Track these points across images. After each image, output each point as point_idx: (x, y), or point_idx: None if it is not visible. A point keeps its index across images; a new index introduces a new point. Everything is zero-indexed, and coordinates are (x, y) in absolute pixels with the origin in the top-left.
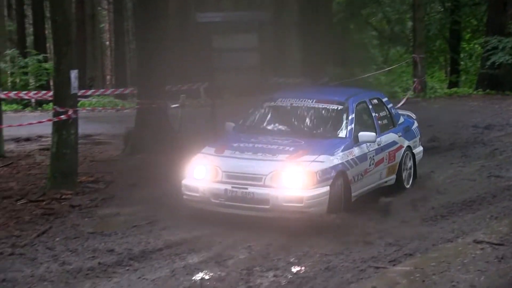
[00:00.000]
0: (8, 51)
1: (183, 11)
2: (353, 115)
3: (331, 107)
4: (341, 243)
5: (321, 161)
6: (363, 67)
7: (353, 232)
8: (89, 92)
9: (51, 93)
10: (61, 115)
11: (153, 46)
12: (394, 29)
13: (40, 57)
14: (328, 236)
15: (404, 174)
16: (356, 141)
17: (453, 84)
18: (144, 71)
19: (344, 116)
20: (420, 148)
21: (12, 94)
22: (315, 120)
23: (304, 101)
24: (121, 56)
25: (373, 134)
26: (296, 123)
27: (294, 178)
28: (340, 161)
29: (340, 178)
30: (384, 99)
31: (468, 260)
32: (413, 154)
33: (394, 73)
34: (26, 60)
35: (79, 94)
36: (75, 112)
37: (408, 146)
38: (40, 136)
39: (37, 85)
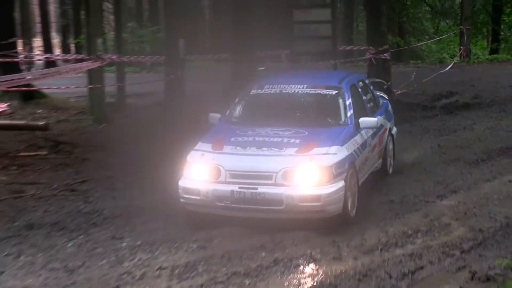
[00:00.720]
0: (129, 24)
1: None
2: (350, 100)
3: (325, 92)
4: (395, 182)
5: (333, 153)
6: (417, 37)
7: (404, 173)
8: (193, 57)
9: (163, 58)
10: (171, 75)
11: (246, 18)
12: (444, 5)
13: (154, 28)
14: (382, 176)
15: (389, 158)
16: (357, 128)
17: (493, 51)
18: (238, 39)
19: (341, 101)
20: (395, 129)
21: (132, 58)
22: (311, 107)
23: (295, 87)
24: (219, 26)
25: (375, 119)
26: (290, 111)
27: (309, 174)
28: (349, 152)
29: (351, 170)
30: (367, 81)
31: (504, 196)
32: (393, 136)
33: (443, 42)
34: (143, 31)
35: (185, 58)
36: (182, 73)
37: (390, 128)
38: (154, 92)
39: (152, 51)
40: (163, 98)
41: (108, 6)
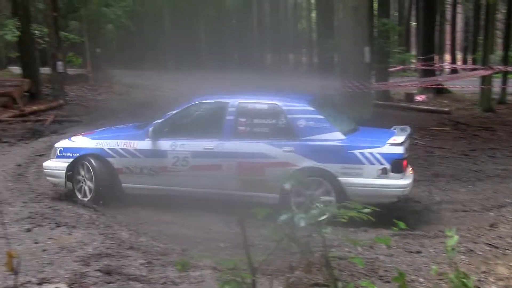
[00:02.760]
0: None
1: None
2: (174, 112)
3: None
4: None
5: (73, 141)
6: None
7: None
8: None
9: None
10: None
11: None
12: None
13: None
14: None
15: (293, 198)
16: (146, 134)
17: None
18: None
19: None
20: (372, 181)
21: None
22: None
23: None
24: None
25: (149, 129)
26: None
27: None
28: (95, 146)
29: (93, 161)
30: (287, 107)
31: None
32: (336, 181)
33: None
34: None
35: None
36: None
37: (320, 169)
38: None
39: None
40: None
41: (498, 32)
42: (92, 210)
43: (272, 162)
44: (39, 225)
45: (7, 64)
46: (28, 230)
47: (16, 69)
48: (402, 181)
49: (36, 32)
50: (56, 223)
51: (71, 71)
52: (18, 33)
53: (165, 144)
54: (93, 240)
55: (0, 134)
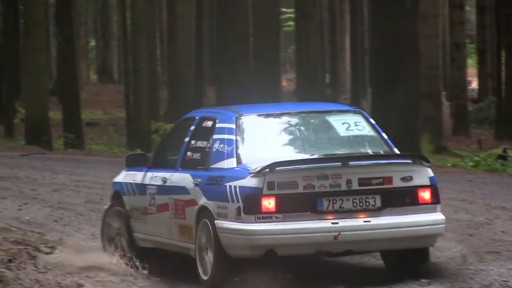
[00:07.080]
0: None
1: None
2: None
3: None
4: None
5: None
6: None
7: None
8: None
9: None
10: None
11: None
12: None
13: None
14: None
15: (201, 254)
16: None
17: None
18: None
19: None
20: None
21: None
22: None
23: None
24: None
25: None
26: None
27: None
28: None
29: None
30: (220, 125)
31: None
32: (214, 227)
33: None
34: None
35: None
36: None
37: (205, 208)
38: None
39: None
40: None
41: None
42: None
43: (188, 200)
44: None
45: None
46: None
47: None
48: None
49: None
50: None
51: None
52: None
53: (147, 174)
54: None
55: None
